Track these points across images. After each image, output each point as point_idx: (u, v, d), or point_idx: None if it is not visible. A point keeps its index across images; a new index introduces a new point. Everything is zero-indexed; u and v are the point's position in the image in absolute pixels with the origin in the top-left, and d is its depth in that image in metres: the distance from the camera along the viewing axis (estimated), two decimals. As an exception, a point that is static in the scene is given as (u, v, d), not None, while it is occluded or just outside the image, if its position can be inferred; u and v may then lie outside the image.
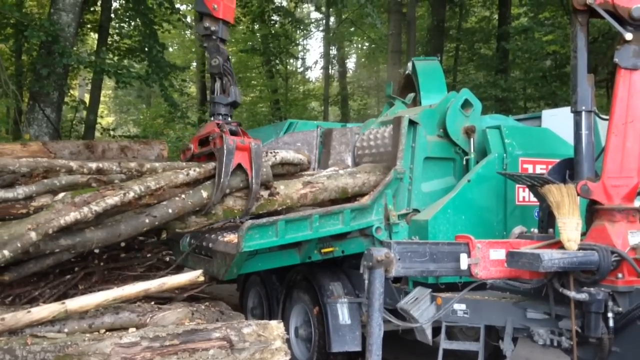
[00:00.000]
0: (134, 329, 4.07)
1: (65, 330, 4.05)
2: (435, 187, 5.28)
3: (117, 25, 14.30)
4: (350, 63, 31.80)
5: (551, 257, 3.61)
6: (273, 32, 18.57)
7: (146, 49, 12.93)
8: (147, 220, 4.45)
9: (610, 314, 3.69)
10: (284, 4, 19.77)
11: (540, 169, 5.11)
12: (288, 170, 5.41)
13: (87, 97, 16.02)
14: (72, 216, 4.00)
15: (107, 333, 4.03)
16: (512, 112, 14.12)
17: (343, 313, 5.26)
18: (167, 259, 5.63)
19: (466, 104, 5.36)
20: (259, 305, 6.64)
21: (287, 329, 5.21)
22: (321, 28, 26.07)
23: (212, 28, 4.98)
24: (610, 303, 3.69)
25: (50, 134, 9.59)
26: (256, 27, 19.31)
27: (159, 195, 4.53)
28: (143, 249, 5.66)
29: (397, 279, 4.96)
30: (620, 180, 3.99)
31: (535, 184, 4.49)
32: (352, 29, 23.46)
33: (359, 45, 28.99)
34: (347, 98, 25.53)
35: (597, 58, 12.88)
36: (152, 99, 26.13)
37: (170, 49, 23.24)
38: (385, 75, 21.02)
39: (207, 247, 5.13)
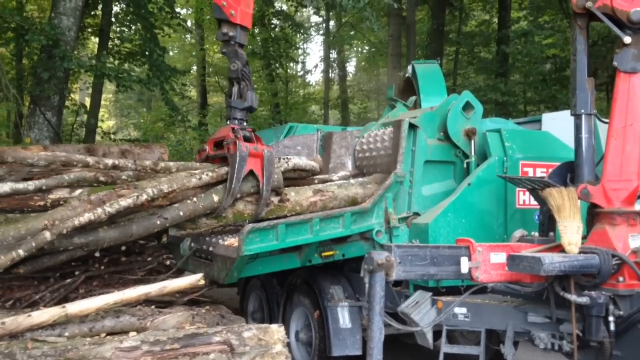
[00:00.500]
0: (134, 333, 4.06)
1: (66, 334, 4.05)
2: (435, 190, 5.28)
3: (117, 29, 14.32)
4: (350, 66, 31.88)
5: (552, 261, 3.61)
6: (273, 35, 18.61)
7: (147, 53, 12.96)
8: (158, 222, 4.55)
9: (611, 318, 3.68)
10: (284, 7, 19.79)
11: (540, 172, 5.11)
12: (300, 175, 5.49)
13: (87, 101, 16.04)
14: (86, 217, 4.11)
15: (108, 337, 4.02)
16: (512, 116, 14.11)
17: (344, 317, 5.26)
18: (168, 262, 5.63)
19: (467, 106, 5.37)
20: (259, 309, 6.63)
21: (287, 333, 5.18)
22: (321, 32, 26.12)
23: (230, 34, 5.05)
24: (611, 306, 3.69)
25: (50, 138, 9.61)
26: (256, 30, 19.33)
27: (171, 197, 4.61)
28: (143, 253, 5.66)
29: (397, 283, 4.96)
30: (620, 184, 3.99)
31: (536, 187, 4.49)
32: (352, 33, 23.50)
33: (359, 49, 29.04)
34: (347, 101, 25.54)
35: (597, 61, 12.90)
36: (152, 103, 26.14)
37: (171, 53, 23.28)
38: (385, 78, 21.03)
39: (208, 251, 5.13)
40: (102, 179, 4.60)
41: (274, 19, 18.37)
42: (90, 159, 4.56)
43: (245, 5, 5.07)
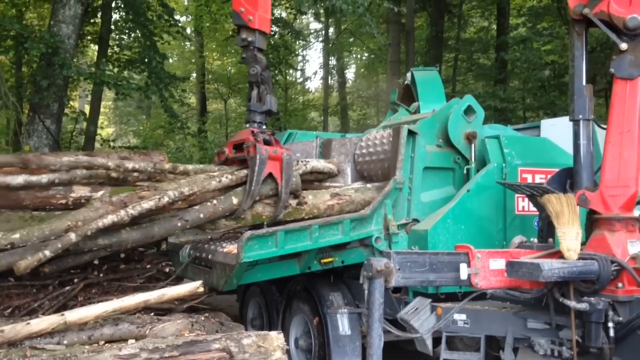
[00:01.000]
0: (133, 341, 4.06)
1: (65, 342, 4.05)
2: (434, 197, 5.29)
3: (117, 36, 14.36)
4: (350, 73, 31.94)
5: (551, 267, 3.60)
6: (272, 42, 18.65)
7: (146, 60, 12.99)
8: (179, 224, 4.66)
9: (610, 324, 3.67)
10: (283, 15, 19.85)
11: (539, 179, 5.11)
12: (317, 178, 5.59)
13: (87, 108, 16.07)
14: (109, 219, 4.23)
15: (107, 345, 4.02)
16: (511, 122, 14.15)
17: (343, 323, 5.25)
18: (167, 270, 5.63)
19: (469, 110, 5.38)
20: (258, 316, 6.62)
21: (287, 340, 5.18)
22: (320, 39, 26.19)
23: (249, 39, 5.18)
24: (610, 313, 3.68)
25: (50, 145, 9.60)
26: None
27: (191, 200, 4.70)
28: (143, 260, 5.66)
29: (397, 289, 4.95)
30: (618, 190, 3.99)
31: (535, 193, 4.49)
32: (352, 40, 23.56)
33: (358, 56, 29.10)
34: (346, 108, 25.58)
35: (596, 68, 12.93)
36: (152, 110, 26.18)
37: (171, 60, 23.32)
38: (384, 85, 21.08)
39: (207, 258, 5.13)
40: (113, 175, 4.69)
41: (273, 26, 18.42)
42: (111, 163, 4.66)
43: (263, 10, 5.20)
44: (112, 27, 14.00)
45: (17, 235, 4.07)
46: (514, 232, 4.91)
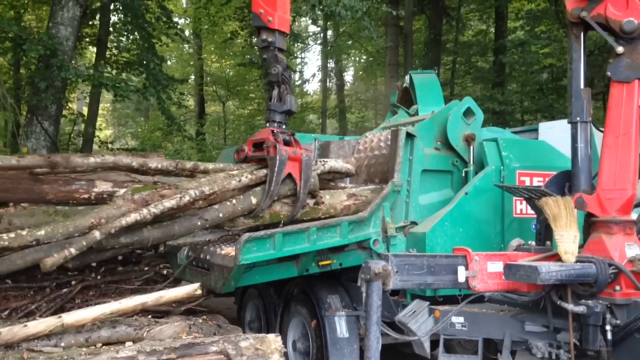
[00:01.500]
0: (130, 343, 4.05)
1: (62, 344, 4.03)
2: (432, 199, 5.29)
3: (115, 38, 14.36)
4: (348, 76, 32.00)
5: (549, 270, 3.60)
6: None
7: (144, 63, 12.99)
8: (199, 223, 4.70)
9: (608, 327, 3.67)
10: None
11: (537, 182, 5.12)
12: (334, 177, 5.63)
13: (85, 110, 16.08)
14: (132, 217, 4.28)
15: (104, 347, 4.01)
16: (509, 125, 14.16)
17: (341, 326, 5.24)
18: (165, 272, 5.61)
19: (468, 112, 5.38)
20: (256, 319, 6.61)
21: (284, 342, 5.16)
22: (319, 41, 26.23)
23: (269, 39, 5.21)
24: (608, 316, 3.68)
25: (48, 147, 9.60)
26: (254, 40, 19.39)
27: (211, 199, 4.74)
28: (140, 262, 5.65)
29: (394, 292, 4.95)
30: (615, 193, 4.00)
31: (533, 196, 4.49)
32: (350, 42, 23.59)
33: (357, 58, 29.15)
34: (344, 111, 25.61)
35: (594, 71, 12.96)
36: (150, 112, 26.19)
37: (169, 62, 23.34)
38: (382, 88, 21.09)
39: (205, 260, 5.13)
40: (134, 165, 4.73)
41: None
42: (135, 163, 4.71)
43: (282, 11, 5.22)
44: (111, 29, 14.01)
45: (42, 232, 4.14)
46: (512, 234, 4.92)
